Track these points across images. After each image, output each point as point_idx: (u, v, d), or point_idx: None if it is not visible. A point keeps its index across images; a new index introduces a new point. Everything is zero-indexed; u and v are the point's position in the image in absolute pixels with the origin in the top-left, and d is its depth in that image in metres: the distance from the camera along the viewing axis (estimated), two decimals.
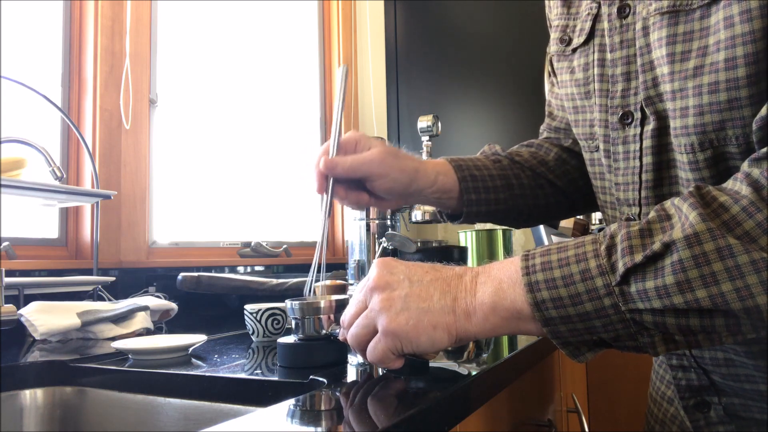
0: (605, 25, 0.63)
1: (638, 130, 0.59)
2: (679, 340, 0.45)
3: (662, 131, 0.57)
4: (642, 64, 0.58)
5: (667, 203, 0.47)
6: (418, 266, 0.54)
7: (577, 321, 0.46)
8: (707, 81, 0.51)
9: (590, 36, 0.66)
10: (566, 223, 1.74)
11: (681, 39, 0.53)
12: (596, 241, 0.47)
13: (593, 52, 0.65)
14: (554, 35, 0.72)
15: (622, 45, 0.60)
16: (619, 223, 0.48)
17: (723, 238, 0.42)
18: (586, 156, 0.71)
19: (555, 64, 0.73)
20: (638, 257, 0.44)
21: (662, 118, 0.57)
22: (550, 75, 0.83)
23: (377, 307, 0.52)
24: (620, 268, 0.44)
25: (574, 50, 0.68)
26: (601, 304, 0.45)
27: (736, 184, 0.45)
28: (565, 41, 0.70)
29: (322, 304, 0.64)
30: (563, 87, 0.72)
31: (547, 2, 0.77)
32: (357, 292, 0.55)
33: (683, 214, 0.44)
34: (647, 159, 0.59)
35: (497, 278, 0.50)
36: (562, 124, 0.84)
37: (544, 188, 0.82)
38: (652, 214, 0.47)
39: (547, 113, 0.88)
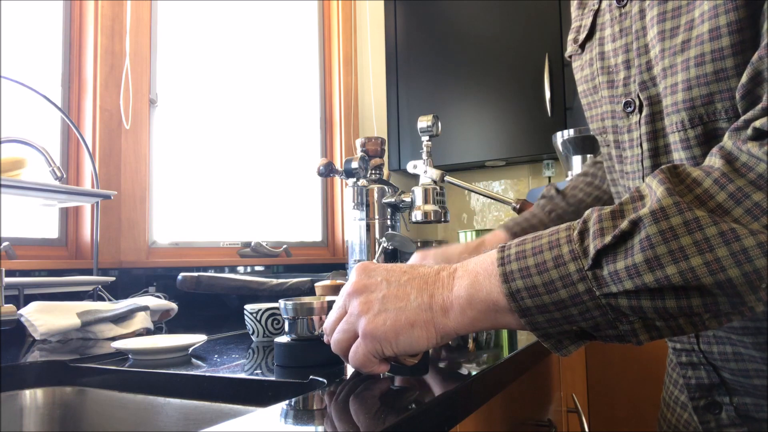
0: (606, 17, 0.63)
1: (638, 116, 0.59)
2: (661, 326, 0.44)
3: (655, 116, 0.57)
4: (637, 48, 0.58)
5: (642, 184, 0.46)
6: (396, 267, 0.54)
7: (554, 310, 0.45)
8: (693, 54, 0.51)
9: (592, 31, 0.66)
10: None
11: (670, 15, 0.54)
12: (570, 227, 0.46)
13: (595, 47, 0.66)
14: (570, 36, 0.73)
15: (622, 34, 0.61)
16: (593, 207, 0.47)
17: (690, 211, 0.41)
18: (603, 151, 0.70)
19: (573, 65, 0.74)
20: (608, 238, 0.43)
21: (654, 104, 0.57)
22: None
23: (356, 311, 0.52)
24: (591, 251, 0.43)
25: (582, 48, 0.69)
26: (575, 290, 0.44)
27: (711, 159, 0.45)
28: (577, 41, 0.70)
29: (315, 304, 0.64)
30: (578, 85, 0.72)
31: (571, 6, 0.78)
32: (338, 298, 0.55)
33: (653, 191, 0.44)
34: (648, 145, 0.59)
35: (474, 271, 0.49)
36: None
37: None
38: (626, 195, 0.46)
39: None
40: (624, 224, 0.43)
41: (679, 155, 0.55)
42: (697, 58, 0.51)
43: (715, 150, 0.45)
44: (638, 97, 0.59)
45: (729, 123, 0.50)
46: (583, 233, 0.45)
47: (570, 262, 0.44)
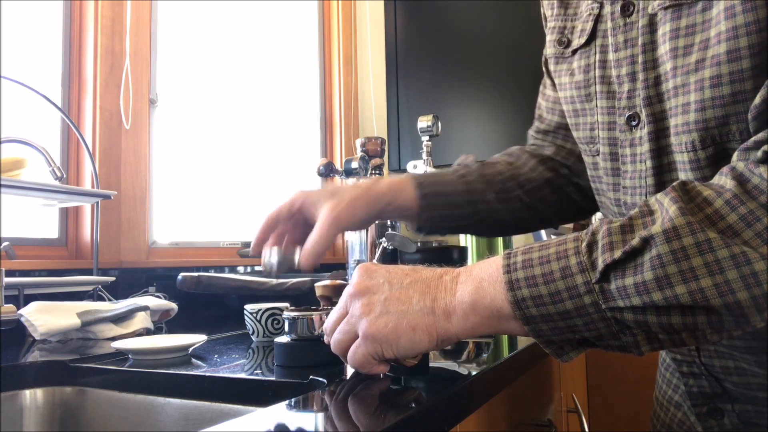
0: (608, 24, 0.61)
1: (644, 131, 0.58)
2: (663, 338, 0.44)
3: (659, 134, 0.56)
4: (644, 62, 0.57)
5: (651, 199, 0.46)
6: (398, 269, 0.54)
7: (558, 319, 0.45)
8: (709, 75, 0.50)
9: (592, 37, 0.64)
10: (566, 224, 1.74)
11: (683, 33, 0.52)
12: (578, 238, 0.46)
13: (594, 54, 0.64)
14: (551, 37, 0.71)
15: (626, 44, 0.59)
16: (602, 220, 0.47)
17: (702, 232, 0.41)
18: (587, 159, 0.69)
19: (552, 67, 0.72)
20: (617, 253, 0.43)
21: (659, 120, 0.56)
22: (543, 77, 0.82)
23: (357, 312, 0.52)
24: (600, 264, 0.43)
25: (574, 52, 0.67)
26: (581, 302, 0.44)
27: (722, 179, 0.45)
28: (564, 43, 0.68)
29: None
30: (562, 90, 0.70)
31: (542, 3, 0.76)
32: (340, 299, 0.55)
33: (664, 209, 0.44)
34: (652, 162, 0.58)
35: (478, 277, 0.49)
36: (551, 127, 0.82)
37: (510, 202, 0.79)
38: (635, 210, 0.46)
39: (536, 116, 0.85)
40: (635, 241, 0.43)
41: (686, 175, 0.54)
42: (712, 79, 0.50)
43: (725, 170, 0.45)
44: (642, 111, 0.57)
45: (741, 144, 0.49)
46: (591, 245, 0.45)
47: (577, 274, 0.44)
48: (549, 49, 0.71)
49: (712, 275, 0.40)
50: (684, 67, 0.52)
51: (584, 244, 0.45)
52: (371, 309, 0.51)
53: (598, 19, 0.63)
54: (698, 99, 0.51)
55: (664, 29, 0.54)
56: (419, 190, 0.74)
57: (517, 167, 0.81)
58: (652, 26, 0.56)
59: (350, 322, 0.53)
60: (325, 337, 0.57)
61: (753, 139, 0.45)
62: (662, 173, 0.57)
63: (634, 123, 0.59)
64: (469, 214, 0.77)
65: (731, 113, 0.49)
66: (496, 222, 0.80)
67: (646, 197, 0.59)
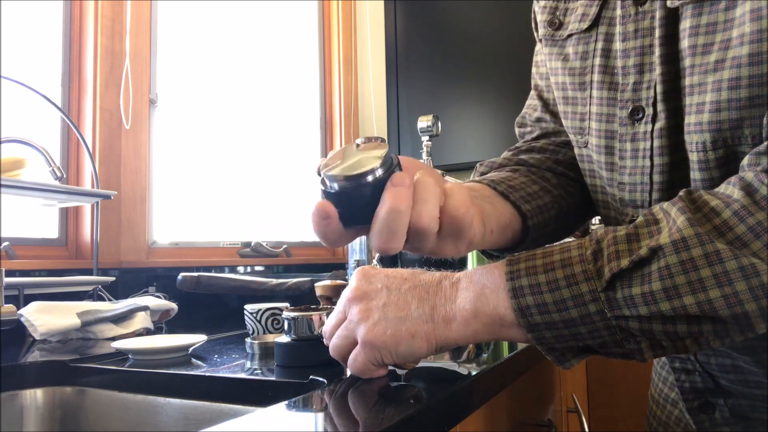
0: (618, 12, 0.58)
1: (649, 127, 0.56)
2: (667, 345, 0.44)
3: (676, 129, 0.55)
4: (662, 55, 0.54)
5: (656, 207, 0.46)
6: (397, 273, 0.53)
7: (563, 327, 0.45)
8: (728, 76, 0.49)
9: (595, 23, 0.61)
10: None
11: (704, 31, 0.51)
12: (582, 246, 0.46)
13: (596, 41, 0.61)
14: (542, 17, 0.68)
15: (637, 34, 0.56)
16: (605, 227, 0.47)
17: (711, 244, 0.41)
18: (576, 151, 0.67)
19: (543, 49, 0.69)
20: (624, 262, 0.43)
21: (677, 116, 0.54)
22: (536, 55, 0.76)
23: (356, 318, 0.51)
24: (606, 273, 0.43)
25: (570, 35, 0.64)
26: (586, 310, 0.44)
27: (729, 188, 0.45)
28: (555, 24, 0.66)
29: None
30: (554, 74, 0.67)
31: None
32: (338, 302, 0.55)
33: (671, 219, 0.44)
34: (660, 159, 0.56)
35: (480, 283, 0.48)
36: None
37: (570, 186, 0.72)
38: (639, 218, 0.46)
39: (536, 96, 0.77)
40: (643, 250, 0.43)
41: (693, 175, 0.53)
42: (731, 81, 0.49)
43: (734, 179, 0.45)
44: (653, 106, 0.56)
45: (753, 148, 0.48)
46: (596, 254, 0.44)
47: (583, 282, 0.44)
48: (540, 30, 0.68)
49: (720, 287, 0.40)
50: (702, 66, 0.51)
51: (589, 252, 0.45)
52: (369, 315, 0.51)
53: (603, 4, 0.61)
54: (714, 100, 0.50)
55: (684, 24, 0.52)
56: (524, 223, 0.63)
57: (555, 157, 0.72)
58: (674, 18, 0.54)
59: (348, 328, 0.52)
60: (324, 339, 0.57)
61: (766, 143, 0.45)
62: (674, 170, 0.56)
63: (638, 117, 0.57)
64: (551, 203, 0.66)
65: (746, 117, 0.49)
66: (569, 207, 0.70)
67: (649, 195, 0.57)
